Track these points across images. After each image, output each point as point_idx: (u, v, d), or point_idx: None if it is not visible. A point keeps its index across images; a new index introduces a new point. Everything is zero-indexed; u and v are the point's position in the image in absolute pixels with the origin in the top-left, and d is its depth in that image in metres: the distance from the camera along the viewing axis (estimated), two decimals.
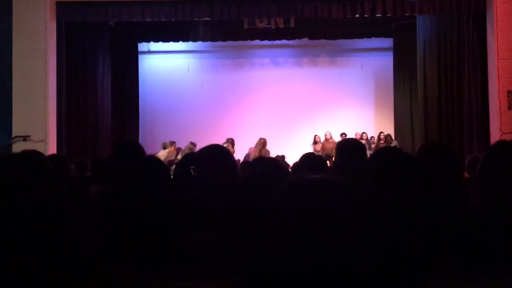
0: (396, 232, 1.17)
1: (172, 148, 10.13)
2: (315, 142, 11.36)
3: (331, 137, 11.12)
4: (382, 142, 11.01)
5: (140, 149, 2.94)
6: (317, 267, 0.65)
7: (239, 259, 0.74)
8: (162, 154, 9.69)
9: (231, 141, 10.21)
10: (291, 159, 6.66)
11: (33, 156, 2.80)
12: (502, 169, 1.61)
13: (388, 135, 11.26)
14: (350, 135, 10.62)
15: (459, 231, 1.48)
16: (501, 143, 1.80)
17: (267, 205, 0.73)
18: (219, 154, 2.65)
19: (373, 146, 10.84)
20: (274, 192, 0.73)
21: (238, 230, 1.45)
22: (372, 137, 11.54)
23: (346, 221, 0.68)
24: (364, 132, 11.51)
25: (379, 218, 0.71)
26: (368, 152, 9.78)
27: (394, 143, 10.84)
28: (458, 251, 1.43)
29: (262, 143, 9.95)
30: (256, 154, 9.66)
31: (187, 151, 8.72)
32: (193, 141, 9.69)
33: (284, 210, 0.70)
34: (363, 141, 10.74)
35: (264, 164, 3.00)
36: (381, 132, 11.35)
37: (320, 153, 10.16)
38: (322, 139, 11.31)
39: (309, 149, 10.67)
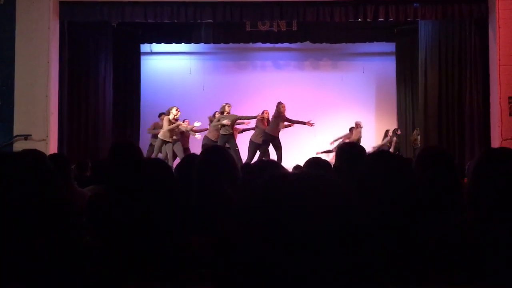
0: (383, 237, 1.17)
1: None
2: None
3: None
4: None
5: (135, 150, 2.94)
6: (290, 268, 0.64)
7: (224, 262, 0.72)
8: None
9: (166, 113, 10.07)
10: (292, 162, 6.66)
11: (34, 154, 2.81)
12: (492, 179, 1.61)
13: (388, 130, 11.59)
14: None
15: (451, 238, 1.49)
16: (491, 151, 1.81)
17: (241, 204, 0.71)
18: (220, 157, 2.67)
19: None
20: (248, 189, 0.71)
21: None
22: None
23: (325, 218, 0.66)
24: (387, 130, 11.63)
25: (364, 221, 0.70)
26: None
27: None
28: (449, 257, 1.44)
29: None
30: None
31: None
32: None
33: (258, 207, 0.67)
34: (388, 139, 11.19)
35: (266, 167, 3.01)
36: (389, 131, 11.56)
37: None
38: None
39: (312, 150, 10.72)
